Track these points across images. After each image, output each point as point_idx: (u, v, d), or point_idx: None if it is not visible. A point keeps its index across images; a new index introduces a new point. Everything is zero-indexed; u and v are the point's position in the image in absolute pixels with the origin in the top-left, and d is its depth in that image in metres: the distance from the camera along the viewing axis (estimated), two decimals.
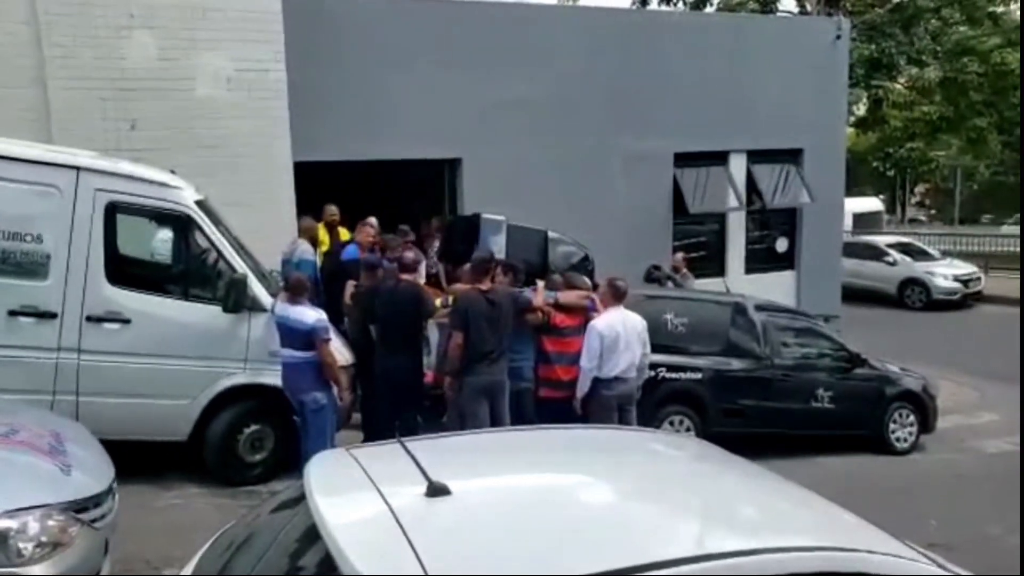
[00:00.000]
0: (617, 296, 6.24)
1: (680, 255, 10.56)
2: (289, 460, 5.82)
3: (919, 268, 17.93)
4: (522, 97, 9.80)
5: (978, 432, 9.27)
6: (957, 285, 17.76)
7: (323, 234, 8.11)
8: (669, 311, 7.48)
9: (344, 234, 8.18)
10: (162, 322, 5.71)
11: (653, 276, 9.67)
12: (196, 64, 7.70)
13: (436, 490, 2.35)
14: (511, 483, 2.78)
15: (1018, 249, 21.93)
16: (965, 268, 18.54)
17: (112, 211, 5.71)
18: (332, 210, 8.19)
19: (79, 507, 3.52)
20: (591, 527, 2.39)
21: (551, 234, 7.67)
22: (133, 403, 5.56)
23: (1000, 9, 26.82)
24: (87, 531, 3.51)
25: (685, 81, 10.95)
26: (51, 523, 3.33)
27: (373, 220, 7.93)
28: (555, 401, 6.21)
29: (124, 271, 5.85)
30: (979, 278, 18.36)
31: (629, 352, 6.17)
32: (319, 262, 7.77)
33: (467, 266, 6.38)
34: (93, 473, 3.87)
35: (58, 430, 4.11)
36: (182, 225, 5.96)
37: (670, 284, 9.69)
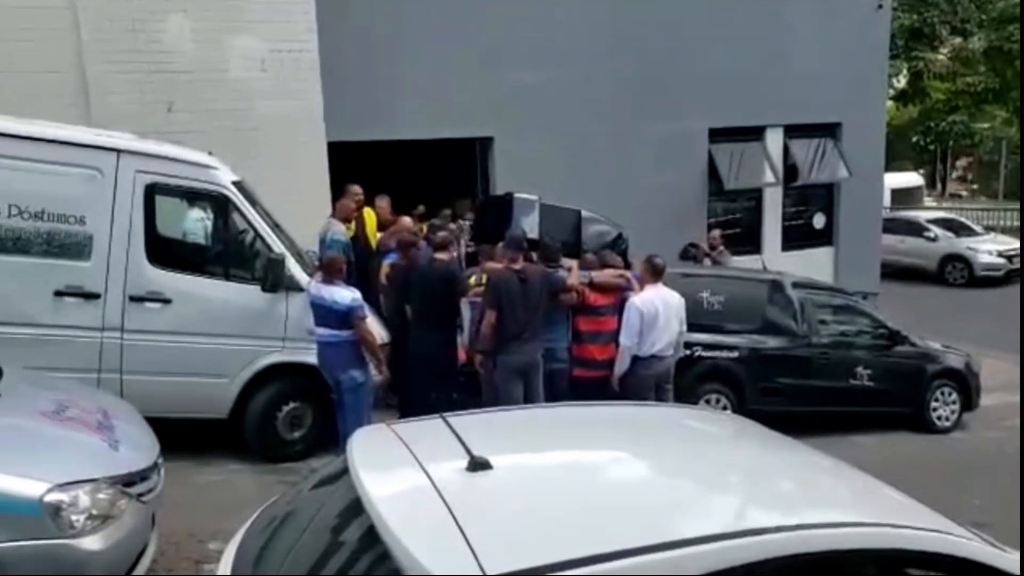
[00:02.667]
0: (655, 273, 6.20)
1: (717, 232, 10.43)
2: (327, 438, 5.90)
3: (961, 244, 17.51)
4: (553, 75, 9.70)
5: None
6: (1001, 261, 17.31)
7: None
8: (705, 289, 7.41)
9: (370, 215, 8.15)
10: (202, 302, 5.80)
11: (690, 254, 9.57)
12: (230, 46, 7.75)
13: (478, 464, 2.35)
14: (552, 458, 2.78)
15: None
16: (1009, 243, 18.05)
17: (152, 192, 5.78)
18: (356, 190, 7.97)
19: (127, 481, 3.60)
20: (633, 502, 2.39)
21: (584, 213, 7.60)
22: (175, 381, 5.67)
23: None
24: (135, 505, 3.59)
25: (720, 55, 10.73)
26: (101, 496, 3.41)
27: (357, 188, 7.83)
28: (590, 381, 6.19)
29: (164, 252, 5.93)
30: None
31: (668, 330, 6.13)
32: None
33: (501, 244, 6.37)
34: (140, 449, 3.96)
35: (105, 407, 4.20)
36: (220, 206, 6.02)
37: (707, 262, 9.58)
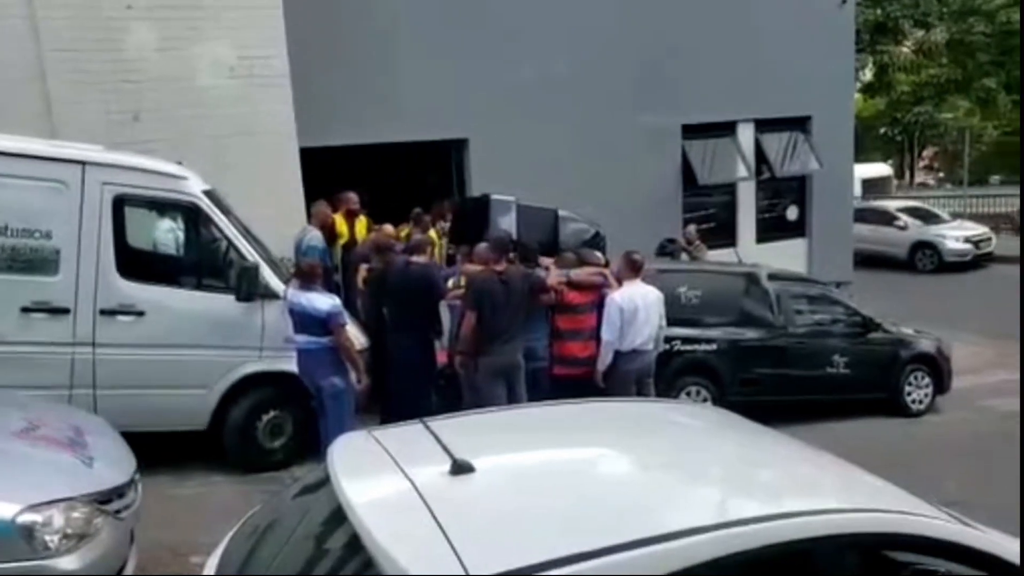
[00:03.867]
0: (634, 269, 6.26)
1: (692, 227, 10.52)
2: (308, 445, 5.84)
3: (930, 231, 17.83)
4: (526, 76, 9.70)
5: (992, 391, 9.26)
6: (968, 246, 17.66)
7: (342, 224, 7.93)
8: (683, 284, 7.46)
9: (362, 224, 8.09)
10: (176, 313, 5.72)
11: (667, 250, 9.64)
12: (197, 54, 7.63)
13: (460, 467, 2.34)
14: (535, 458, 2.78)
15: None
16: (975, 229, 18.42)
17: (120, 204, 5.70)
18: (352, 198, 7.99)
19: (103, 498, 3.54)
20: (616, 499, 2.39)
21: (561, 212, 7.62)
22: (151, 394, 5.58)
23: None
24: (112, 522, 3.53)
25: (691, 53, 10.81)
26: (76, 515, 3.35)
27: (353, 196, 7.94)
28: (571, 378, 6.22)
29: (135, 264, 5.84)
30: (989, 239, 18.25)
31: (648, 325, 6.20)
32: (339, 252, 7.75)
33: (482, 245, 6.35)
34: (115, 465, 3.89)
35: (78, 424, 4.12)
36: (191, 215, 5.95)
37: (684, 257, 9.64)
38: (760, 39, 11.37)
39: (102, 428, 4.29)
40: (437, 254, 7.73)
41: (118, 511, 3.60)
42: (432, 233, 7.88)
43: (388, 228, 7.72)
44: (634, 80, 10.50)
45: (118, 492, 3.67)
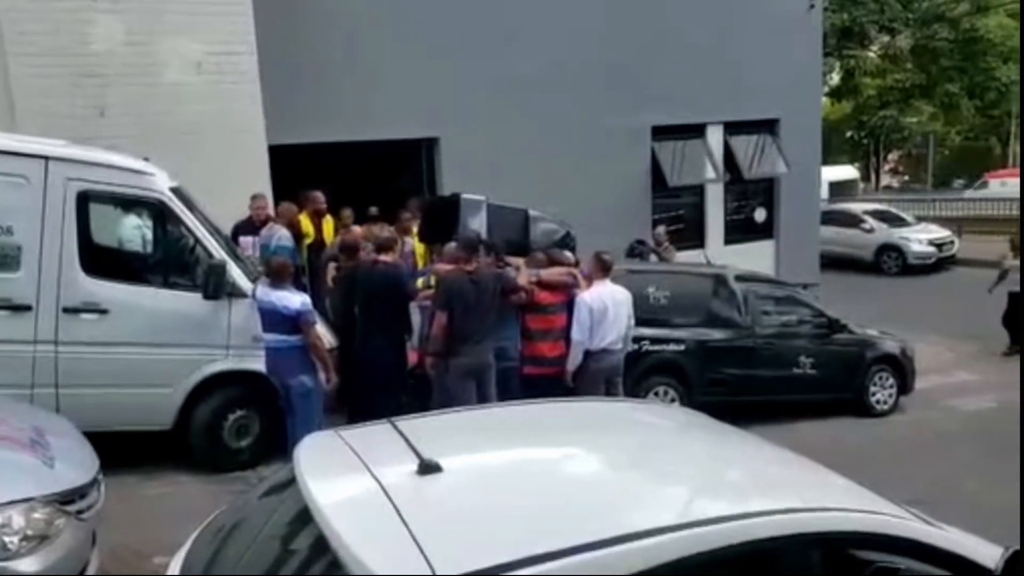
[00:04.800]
0: (604, 269, 6.32)
1: (662, 228, 10.59)
2: (275, 446, 5.79)
3: (895, 234, 18.14)
4: (497, 75, 9.71)
5: (954, 391, 9.47)
6: (932, 249, 18.00)
7: (307, 224, 7.86)
8: (651, 284, 7.51)
9: (329, 224, 8.01)
10: (141, 311, 5.63)
11: (636, 251, 9.71)
12: (164, 48, 7.53)
13: (428, 467, 2.34)
14: (502, 458, 2.79)
15: (991, 212, 22.28)
16: (939, 232, 18.78)
17: (85, 200, 5.59)
18: (318, 197, 7.91)
19: (64, 499, 3.48)
20: (583, 498, 2.40)
21: (532, 212, 7.63)
22: (115, 393, 5.49)
23: None
24: (73, 523, 3.47)
25: (661, 55, 10.91)
26: (36, 516, 3.29)
27: (319, 195, 7.87)
28: (541, 378, 6.23)
29: (99, 261, 5.73)
30: (952, 242, 18.62)
31: (617, 324, 6.25)
32: (305, 253, 7.68)
33: (451, 245, 6.34)
34: (77, 465, 3.83)
35: (38, 423, 4.05)
36: (157, 212, 5.86)
37: (653, 258, 9.72)
38: (729, 42, 11.50)
39: (64, 428, 4.22)
40: (421, 256, 7.67)
41: (80, 512, 3.55)
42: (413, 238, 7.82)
43: (357, 230, 7.66)
44: (604, 81, 10.56)
45: (80, 492, 3.62)
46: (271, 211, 7.59)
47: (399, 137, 9.55)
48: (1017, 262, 10.67)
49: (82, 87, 7.20)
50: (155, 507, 5.12)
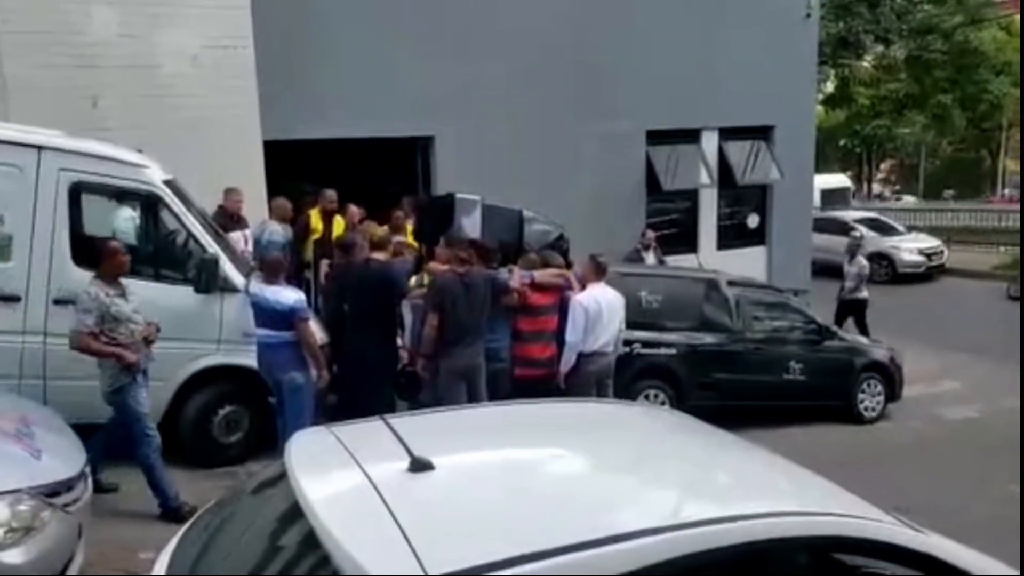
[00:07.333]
0: (599, 272, 6.34)
1: (651, 232, 10.64)
2: (265, 441, 5.78)
3: (885, 243, 18.24)
4: (495, 75, 9.70)
5: (941, 400, 9.53)
6: (921, 259, 18.14)
7: (317, 220, 7.88)
8: (644, 288, 7.54)
9: (340, 223, 8.01)
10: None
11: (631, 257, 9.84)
12: (160, 41, 7.48)
13: (419, 465, 2.34)
14: (493, 457, 2.79)
15: (980, 223, 22.48)
16: (929, 242, 18.92)
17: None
18: (331, 196, 7.95)
19: (50, 491, 3.47)
20: (574, 498, 2.41)
21: (526, 213, 7.63)
22: None
23: None
24: (59, 515, 3.46)
25: (657, 60, 10.92)
26: (22, 508, 3.28)
27: (332, 194, 7.90)
28: (532, 380, 6.23)
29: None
30: (942, 251, 18.75)
31: (610, 327, 6.28)
32: (311, 248, 7.67)
33: (441, 244, 6.34)
34: (64, 457, 3.81)
35: (25, 414, 4.03)
36: (150, 205, 5.84)
37: (651, 259, 9.82)
38: (726, 49, 11.53)
39: (51, 420, 4.20)
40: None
41: (66, 505, 3.53)
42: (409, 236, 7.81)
43: (373, 227, 7.61)
44: (602, 84, 10.57)
45: (66, 485, 3.60)
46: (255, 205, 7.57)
47: (394, 135, 9.53)
48: None
49: (76, 78, 7.13)
50: (142, 501, 5.08)
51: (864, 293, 10.90)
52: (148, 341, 5.00)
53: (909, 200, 33.84)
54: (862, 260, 11.27)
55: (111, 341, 4.77)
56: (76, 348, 4.77)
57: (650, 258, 10.18)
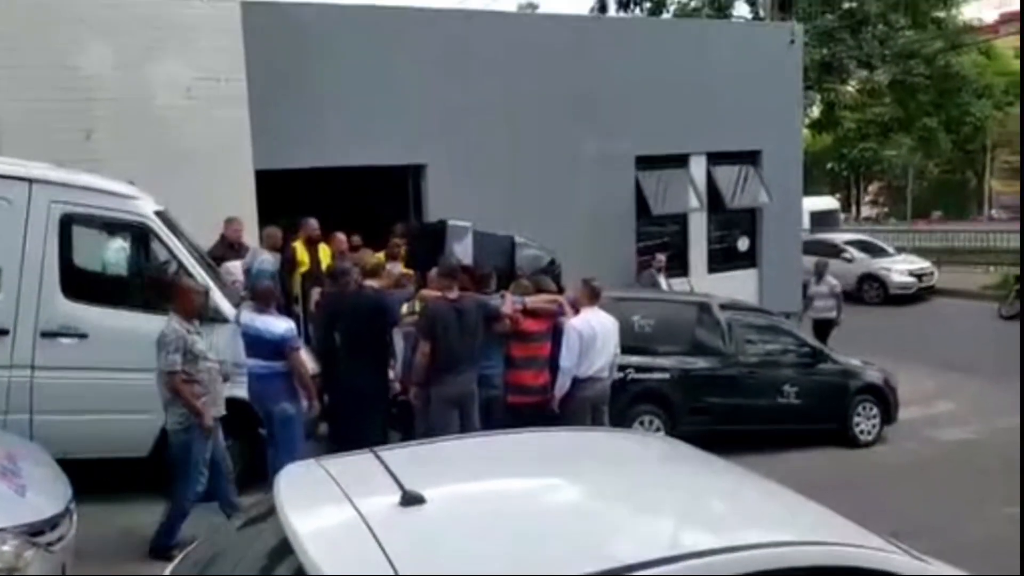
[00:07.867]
0: (593, 296, 6.32)
1: (662, 256, 10.82)
2: (255, 473, 5.70)
3: (876, 264, 18.33)
4: (485, 103, 9.78)
5: (936, 422, 9.51)
6: (912, 280, 18.21)
7: (303, 252, 7.78)
8: (636, 312, 7.53)
9: (325, 251, 7.99)
10: (121, 336, 5.55)
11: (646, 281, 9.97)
12: (153, 73, 7.53)
13: (410, 499, 2.31)
14: (485, 489, 2.76)
15: (969, 244, 22.66)
16: (919, 263, 19.02)
17: (68, 223, 5.56)
18: (313, 224, 7.88)
19: (34, 530, 3.41)
20: (567, 531, 2.38)
21: (517, 239, 7.65)
22: (92, 419, 5.39)
23: (942, 14, 27.70)
24: (43, 555, 3.40)
25: (646, 86, 11.05)
26: (4, 548, 3.22)
27: (314, 222, 7.88)
28: (525, 407, 6.18)
29: (81, 284, 5.67)
30: (932, 272, 18.85)
31: (604, 352, 6.25)
32: (299, 281, 7.62)
33: (433, 272, 6.33)
34: (49, 494, 3.75)
35: (11, 450, 3.98)
36: (141, 236, 5.83)
37: (663, 281, 10.07)
38: (712, 75, 11.68)
39: (37, 455, 4.14)
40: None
41: (50, 543, 3.46)
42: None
43: (368, 254, 7.56)
44: (590, 112, 10.66)
45: (51, 523, 3.54)
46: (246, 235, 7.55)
47: (385, 163, 9.57)
48: None
49: (70, 110, 7.16)
50: (130, 537, 5.00)
51: (834, 314, 10.94)
52: (226, 378, 5.01)
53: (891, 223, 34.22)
54: (831, 280, 11.35)
55: (189, 378, 4.78)
56: (169, 389, 4.79)
57: (663, 281, 10.24)
